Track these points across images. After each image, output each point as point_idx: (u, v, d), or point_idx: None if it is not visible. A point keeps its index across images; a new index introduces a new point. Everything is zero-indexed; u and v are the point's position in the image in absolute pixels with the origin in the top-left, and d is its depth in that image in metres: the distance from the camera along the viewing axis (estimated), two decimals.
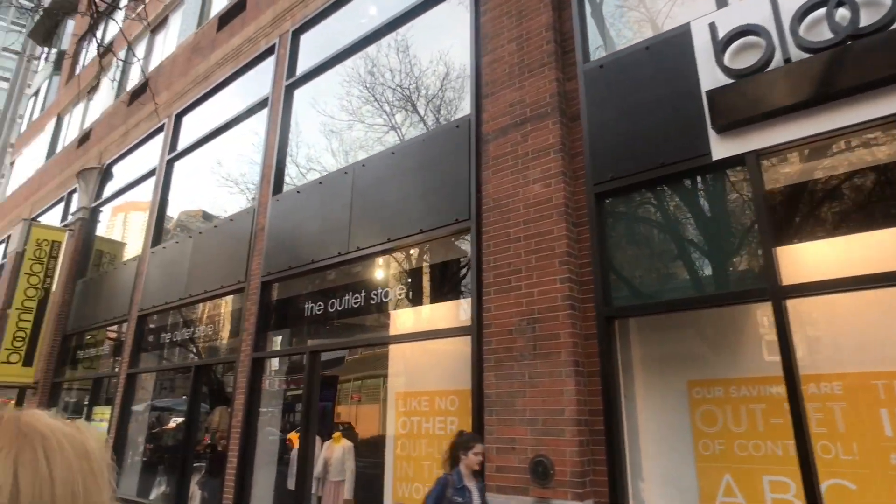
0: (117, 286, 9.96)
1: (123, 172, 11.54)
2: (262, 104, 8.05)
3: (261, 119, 7.98)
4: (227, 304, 7.61)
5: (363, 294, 5.76)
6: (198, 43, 10.32)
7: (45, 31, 20.71)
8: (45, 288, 11.49)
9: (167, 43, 12.10)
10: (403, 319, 5.50)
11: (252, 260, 7.02)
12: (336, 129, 7.07)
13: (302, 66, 7.74)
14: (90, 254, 11.89)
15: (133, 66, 12.91)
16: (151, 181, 10.22)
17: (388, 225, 5.57)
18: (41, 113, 18.26)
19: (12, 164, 19.39)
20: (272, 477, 6.43)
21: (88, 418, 9.44)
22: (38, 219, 14.46)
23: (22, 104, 44.86)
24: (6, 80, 47.43)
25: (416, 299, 5.43)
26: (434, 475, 5.18)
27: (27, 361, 10.98)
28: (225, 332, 7.51)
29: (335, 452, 6.26)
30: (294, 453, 6.37)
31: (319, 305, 6.13)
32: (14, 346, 10.87)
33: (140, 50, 12.85)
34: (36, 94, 19.78)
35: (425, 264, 5.53)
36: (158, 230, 9.45)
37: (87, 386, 10.97)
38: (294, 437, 8.48)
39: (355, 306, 5.76)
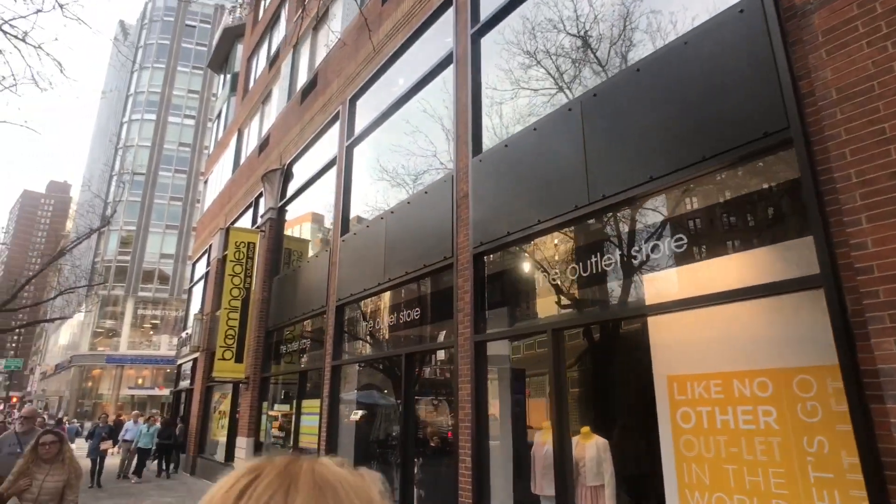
0: (312, 279, 9.95)
1: (303, 169, 11.68)
2: (445, 62, 7.24)
3: (447, 78, 7.17)
4: (432, 284, 6.91)
5: (616, 252, 4.55)
6: (362, 22, 9.93)
7: (220, 61, 22.68)
8: (247, 287, 12.06)
9: (331, 34, 12.03)
10: (681, 280, 4.20)
11: (458, 232, 6.20)
12: (502, 101, 5.97)
13: (487, 9, 6.76)
14: (281, 252, 12.27)
15: (300, 66, 13.14)
16: (332, 172, 10.07)
17: (646, 160, 4.30)
18: (224, 132, 19.90)
19: (206, 182, 21.46)
20: (509, 478, 5.52)
21: (298, 412, 9.49)
22: (233, 225, 15.54)
23: (208, 128, 51.16)
24: (193, 117, 54.40)
25: (700, 251, 4.09)
26: (748, 484, 3.85)
27: (238, 358, 11.56)
28: (434, 315, 6.81)
29: (588, 451, 5.15)
30: (535, 451, 5.39)
31: (555, 273, 5.05)
32: (226, 343, 11.50)
33: (306, 48, 13.02)
34: (218, 116, 21.70)
35: (710, 202, 4.16)
36: (345, 218, 9.18)
37: (293, 380, 11.23)
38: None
39: (606, 267, 4.57)
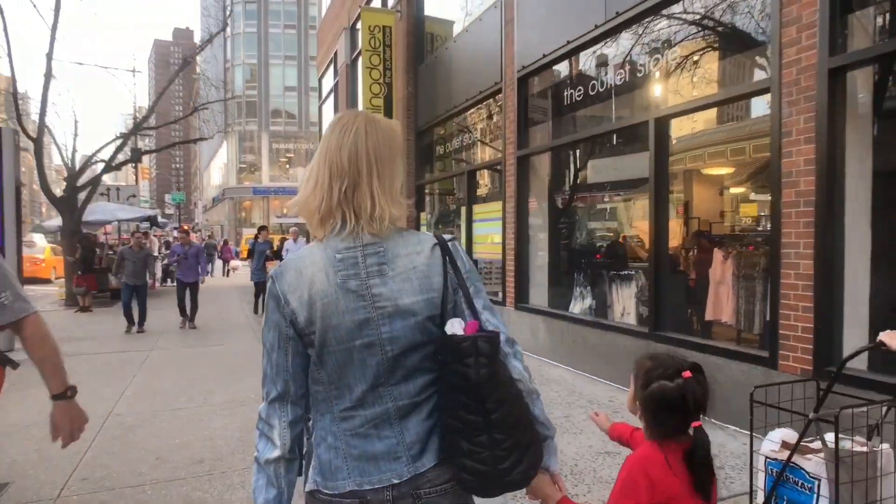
0: (474, 54, 7.67)
1: None
2: None
3: None
4: None
5: None
6: None
7: None
8: (387, 83, 10.14)
9: None
10: None
11: None
12: None
13: None
14: (423, 35, 9.98)
15: None
16: None
17: None
18: None
19: None
20: (858, 288, 3.41)
21: (469, 220, 7.93)
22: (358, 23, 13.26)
23: None
24: None
25: None
26: None
27: None
28: (714, 48, 4.35)
29: None
30: None
31: None
32: None
33: None
34: None
35: None
36: None
37: (450, 188, 9.66)
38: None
39: None
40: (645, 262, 5.09)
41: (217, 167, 58.01)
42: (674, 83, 4.57)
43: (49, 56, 10.95)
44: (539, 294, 6.51)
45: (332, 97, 16.87)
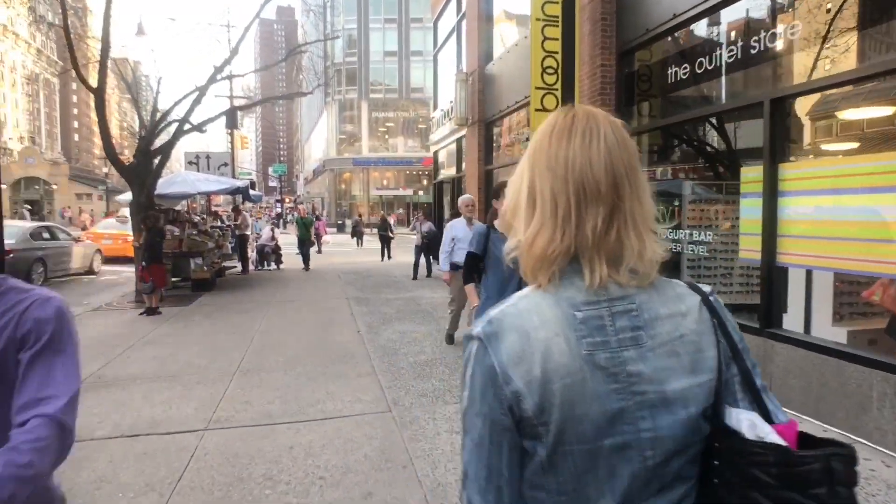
0: None
1: None
2: None
3: None
4: None
5: None
6: None
7: None
8: None
9: None
10: None
11: None
12: None
13: None
14: None
15: None
16: None
17: None
18: None
19: None
20: None
21: (771, 190, 4.24)
22: None
23: None
24: None
25: None
26: None
27: (567, 103, 6.59)
28: None
29: None
30: None
31: None
32: (545, 82, 6.48)
33: None
34: None
35: None
36: None
37: (675, 134, 5.97)
38: None
39: None
40: None
41: (318, 138, 57.42)
42: None
43: None
44: None
45: (453, 39, 13.52)
